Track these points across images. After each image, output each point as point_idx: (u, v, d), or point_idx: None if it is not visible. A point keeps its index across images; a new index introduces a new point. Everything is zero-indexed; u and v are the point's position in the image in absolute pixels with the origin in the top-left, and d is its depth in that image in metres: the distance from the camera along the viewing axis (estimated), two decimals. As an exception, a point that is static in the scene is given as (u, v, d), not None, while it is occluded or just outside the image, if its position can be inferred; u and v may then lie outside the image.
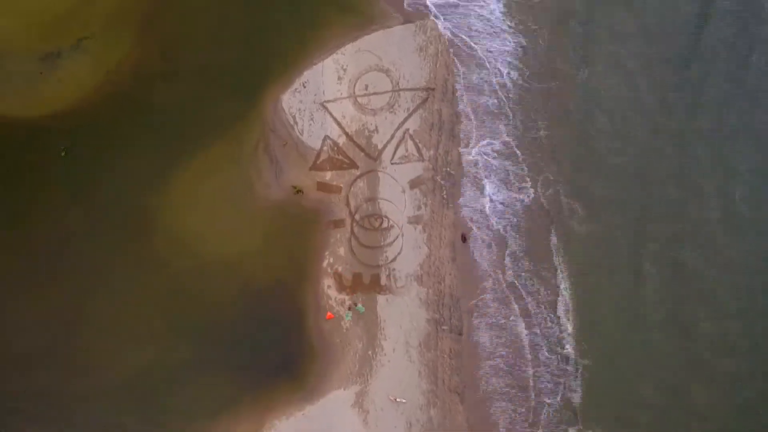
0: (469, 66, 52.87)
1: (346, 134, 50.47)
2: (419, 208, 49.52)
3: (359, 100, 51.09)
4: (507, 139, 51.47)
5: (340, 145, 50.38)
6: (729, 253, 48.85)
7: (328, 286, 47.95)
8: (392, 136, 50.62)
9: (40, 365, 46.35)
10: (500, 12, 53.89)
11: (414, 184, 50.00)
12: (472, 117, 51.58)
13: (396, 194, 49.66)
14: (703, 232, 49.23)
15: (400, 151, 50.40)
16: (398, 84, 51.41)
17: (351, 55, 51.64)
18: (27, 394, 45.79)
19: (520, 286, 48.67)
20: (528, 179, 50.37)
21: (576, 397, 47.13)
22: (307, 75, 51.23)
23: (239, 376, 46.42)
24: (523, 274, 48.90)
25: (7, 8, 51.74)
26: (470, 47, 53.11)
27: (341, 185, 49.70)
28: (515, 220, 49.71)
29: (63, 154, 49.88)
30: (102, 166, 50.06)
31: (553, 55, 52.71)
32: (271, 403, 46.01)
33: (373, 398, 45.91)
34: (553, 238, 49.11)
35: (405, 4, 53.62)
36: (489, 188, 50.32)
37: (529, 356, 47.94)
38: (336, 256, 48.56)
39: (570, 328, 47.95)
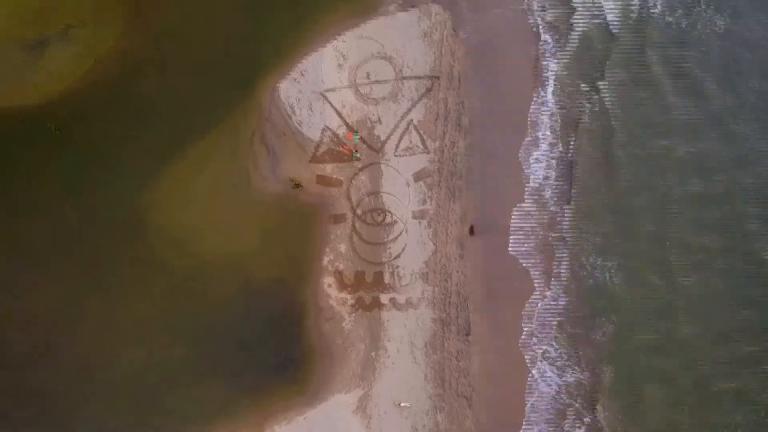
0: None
1: (347, 125, 50.14)
2: (424, 202, 48.94)
3: (360, 89, 50.76)
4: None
5: (341, 136, 49.99)
6: None
7: (329, 284, 47.39)
8: (396, 127, 50.18)
9: (31, 367, 46.05)
10: None
11: (419, 176, 49.39)
12: None
13: (400, 187, 49.04)
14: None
15: (404, 143, 49.91)
16: (401, 72, 51.07)
17: (352, 42, 51.46)
18: (18, 396, 45.47)
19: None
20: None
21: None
22: (306, 63, 50.99)
23: (237, 379, 45.95)
24: None
25: (-10, -5, 52.20)
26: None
27: (342, 178, 49.17)
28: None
29: (56, 132, 49.64)
30: (92, 160, 49.85)
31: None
32: (271, 408, 45.47)
33: (376, 402, 45.40)
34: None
35: (408, -12, 53.52)
36: None
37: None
38: (337, 253, 47.98)
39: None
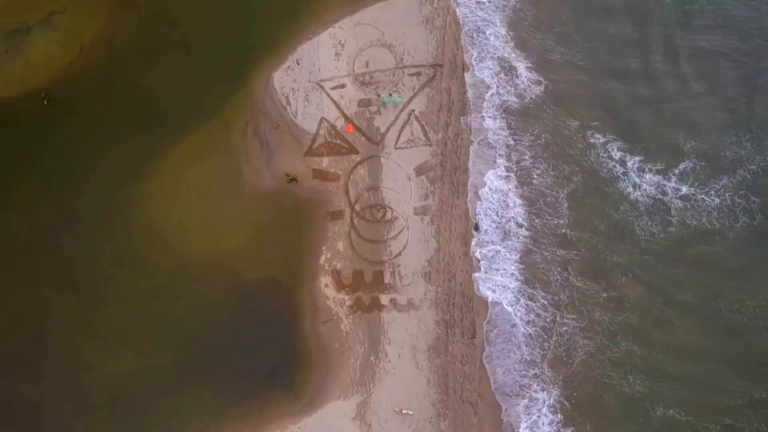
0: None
1: (345, 116, 49.74)
2: (426, 197, 48.32)
3: (359, 78, 50.32)
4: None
5: (338, 128, 49.57)
6: None
7: (326, 284, 46.72)
8: (396, 118, 49.71)
9: (8, 373, 45.07)
10: None
11: (420, 170, 48.76)
12: None
13: (401, 182, 48.51)
14: None
15: (405, 135, 49.43)
16: (402, 60, 50.67)
17: (350, 28, 51.14)
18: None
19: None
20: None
21: None
22: (301, 51, 50.66)
23: (228, 385, 45.09)
24: None
25: (-35, -21, 52.20)
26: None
27: (340, 172, 48.63)
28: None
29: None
30: (75, 153, 49.16)
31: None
32: (264, 416, 44.60)
33: (376, 410, 44.63)
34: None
35: (408, -27, 53.47)
36: None
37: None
38: (334, 251, 47.34)
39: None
